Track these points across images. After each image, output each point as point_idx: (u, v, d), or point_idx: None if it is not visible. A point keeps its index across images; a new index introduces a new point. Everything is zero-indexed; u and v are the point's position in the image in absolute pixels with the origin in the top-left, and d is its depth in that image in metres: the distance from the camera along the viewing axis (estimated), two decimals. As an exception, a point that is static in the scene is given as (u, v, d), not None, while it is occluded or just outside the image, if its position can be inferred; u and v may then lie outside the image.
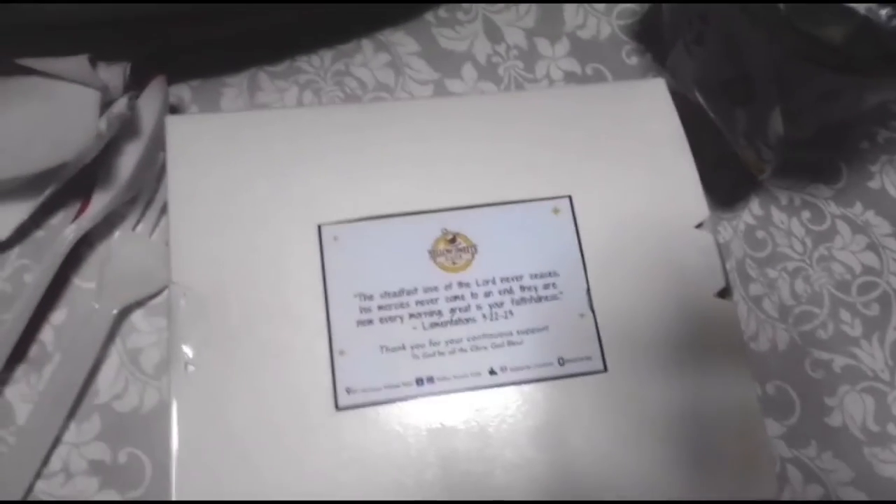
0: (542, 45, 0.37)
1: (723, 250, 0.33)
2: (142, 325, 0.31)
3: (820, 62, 0.27)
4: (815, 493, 0.31)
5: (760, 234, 0.35)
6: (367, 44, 0.36)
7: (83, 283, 0.31)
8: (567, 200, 0.28)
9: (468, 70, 0.36)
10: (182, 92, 0.35)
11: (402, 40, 0.37)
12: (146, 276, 0.31)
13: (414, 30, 0.37)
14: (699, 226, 0.28)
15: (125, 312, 0.31)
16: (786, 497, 0.31)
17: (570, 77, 0.37)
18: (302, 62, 0.36)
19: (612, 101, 0.30)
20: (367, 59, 0.36)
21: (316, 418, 0.25)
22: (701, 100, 0.31)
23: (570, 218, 0.28)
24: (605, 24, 0.38)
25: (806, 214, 0.36)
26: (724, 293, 0.27)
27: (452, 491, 0.25)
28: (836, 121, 0.35)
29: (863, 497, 0.31)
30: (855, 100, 0.30)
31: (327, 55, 0.36)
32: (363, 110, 0.30)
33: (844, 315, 0.34)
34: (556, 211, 0.28)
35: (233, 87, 0.35)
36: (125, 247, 0.32)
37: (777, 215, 0.36)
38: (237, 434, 0.25)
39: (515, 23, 0.38)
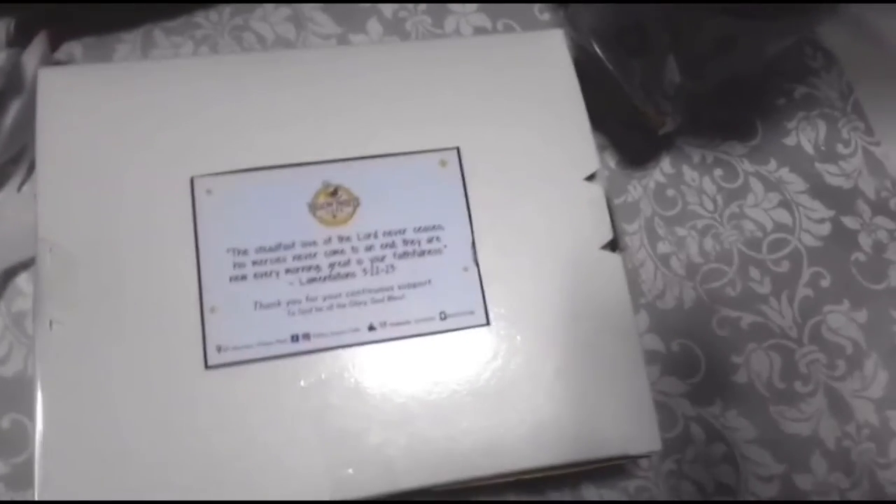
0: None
1: (613, 204, 0.32)
2: (27, 287, 0.30)
3: (710, 5, 0.26)
4: (718, 451, 0.31)
5: (671, 192, 0.35)
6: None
7: (-38, 244, 0.30)
8: (454, 152, 0.27)
9: (373, 25, 0.35)
10: (74, 49, 0.34)
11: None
12: (31, 237, 0.30)
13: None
14: (589, 178, 0.28)
15: (9, 275, 0.30)
16: (689, 454, 0.31)
17: (479, 32, 0.36)
18: (199, 17, 0.34)
19: (506, 53, 0.29)
20: (267, 12, 0.35)
21: (186, 377, 0.24)
22: (598, 51, 0.30)
23: (457, 170, 0.27)
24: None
25: (718, 172, 0.35)
26: (612, 245, 0.27)
27: (326, 448, 0.24)
28: (740, 72, 0.34)
29: (767, 454, 0.31)
30: (755, 48, 0.29)
31: (225, 9, 0.35)
32: (242, 60, 0.29)
33: (754, 273, 0.34)
34: (442, 163, 0.27)
35: (127, 42, 0.34)
36: (9, 207, 0.30)
37: (688, 173, 0.35)
38: (106, 394, 0.24)
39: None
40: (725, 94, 0.36)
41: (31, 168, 0.31)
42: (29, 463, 0.28)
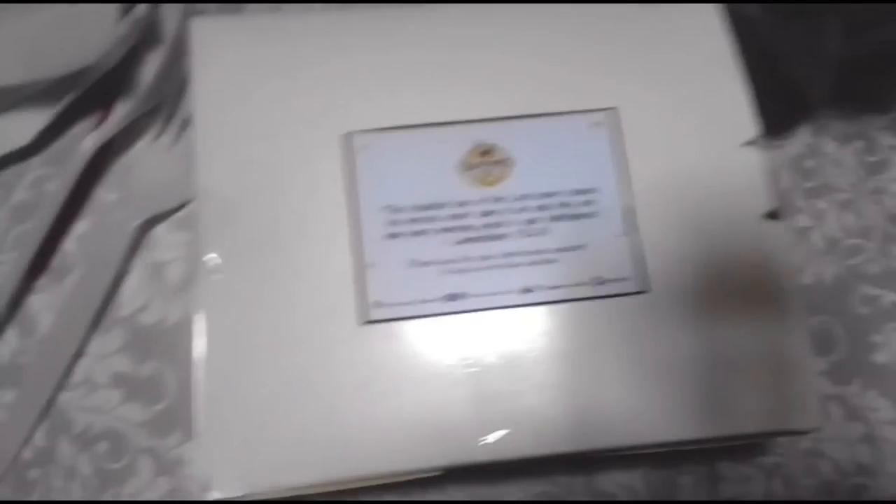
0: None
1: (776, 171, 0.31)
2: (165, 238, 0.31)
3: None
4: (856, 431, 0.30)
5: (809, 163, 0.33)
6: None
7: (106, 194, 0.31)
8: (611, 113, 0.27)
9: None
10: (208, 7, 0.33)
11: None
12: (169, 188, 0.30)
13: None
14: (748, 145, 0.27)
15: (148, 225, 0.30)
16: (829, 433, 0.30)
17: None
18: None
19: (660, 20, 0.28)
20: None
21: (343, 331, 0.24)
22: (758, 12, 0.29)
23: (614, 132, 0.26)
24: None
25: (859, 144, 0.34)
26: (774, 214, 0.26)
27: (480, 408, 0.24)
28: None
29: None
30: None
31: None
32: (396, 14, 0.28)
33: (895, 250, 0.32)
34: (598, 124, 0.26)
35: (257, -4, 0.33)
36: (148, 158, 0.31)
37: (828, 145, 0.34)
38: (263, 344, 0.24)
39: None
40: (873, 64, 0.34)
41: (169, 120, 0.31)
42: (170, 410, 0.29)
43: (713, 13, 0.28)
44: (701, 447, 0.25)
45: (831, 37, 0.28)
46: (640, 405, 0.24)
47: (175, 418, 0.29)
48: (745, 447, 0.29)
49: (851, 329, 0.31)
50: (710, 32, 0.28)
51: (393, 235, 0.25)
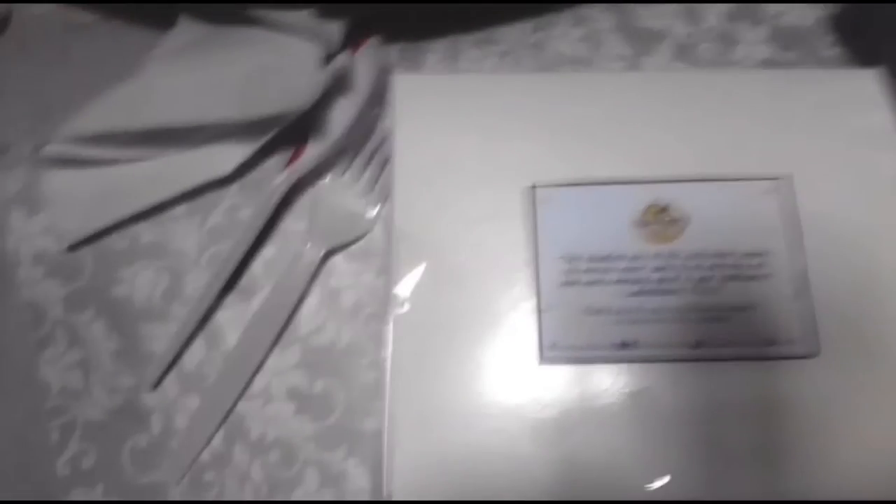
0: (742, 28, 0.37)
1: None
2: (342, 267, 0.33)
3: None
4: None
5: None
6: (564, 17, 0.37)
7: (293, 223, 0.34)
8: (786, 181, 0.28)
9: (664, 49, 0.37)
10: (389, 53, 0.36)
11: (599, 16, 0.37)
12: (352, 221, 0.33)
13: (613, 6, 0.37)
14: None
15: (328, 255, 0.33)
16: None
17: (766, 63, 0.37)
18: (500, 32, 0.37)
19: (820, 88, 0.30)
20: (564, 32, 0.37)
21: (521, 370, 0.26)
22: None
23: (787, 198, 0.28)
24: (807, 12, 0.37)
25: None
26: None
27: (649, 456, 0.25)
28: None
29: None
30: None
31: (526, 27, 0.37)
32: (571, 79, 0.31)
33: None
34: (770, 190, 0.28)
35: (435, 52, 0.36)
36: (334, 193, 0.34)
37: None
38: (445, 377, 0.26)
39: (716, 6, 0.37)
40: None
41: (354, 159, 0.34)
42: (338, 426, 0.31)
43: (874, 78, 0.30)
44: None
45: None
46: (803, 463, 0.25)
47: (341, 434, 0.31)
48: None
49: None
50: (873, 103, 0.29)
51: (569, 283, 0.27)
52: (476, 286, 0.27)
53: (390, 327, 0.27)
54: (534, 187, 0.28)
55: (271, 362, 0.32)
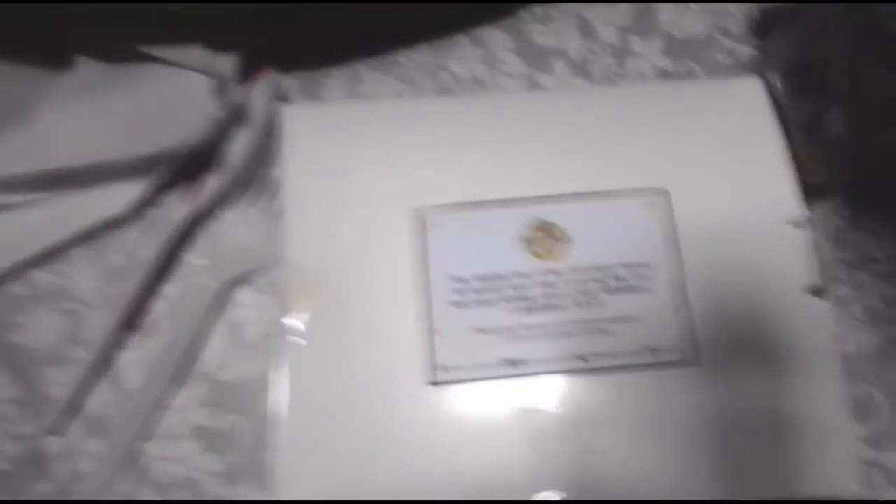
0: (636, 41, 0.38)
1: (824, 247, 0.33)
2: (246, 300, 0.33)
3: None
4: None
5: (850, 235, 0.35)
6: (462, 40, 0.37)
7: (195, 259, 0.34)
8: (663, 193, 0.29)
9: (560, 65, 0.37)
10: (288, 82, 0.37)
11: (496, 36, 0.38)
12: (253, 254, 0.33)
13: (508, 26, 0.38)
14: (792, 223, 0.28)
15: (231, 288, 0.33)
16: (871, 499, 0.31)
17: (662, 74, 0.37)
18: (400, 56, 0.37)
19: (706, 98, 0.31)
20: (463, 54, 0.37)
21: (411, 392, 0.26)
22: (777, 82, 0.31)
23: (666, 211, 0.28)
24: (699, 23, 0.38)
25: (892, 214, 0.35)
26: (817, 291, 0.27)
27: (540, 470, 0.25)
28: None
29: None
30: None
31: (424, 50, 0.37)
32: (461, 103, 0.31)
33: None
34: (650, 204, 0.29)
35: (335, 78, 0.37)
36: (234, 227, 0.33)
37: (866, 217, 0.35)
38: (337, 402, 0.26)
39: (609, 19, 0.38)
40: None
41: (253, 193, 0.34)
42: (245, 462, 0.31)
43: (757, 87, 0.31)
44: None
45: (835, 122, 0.29)
46: (688, 468, 0.26)
47: (249, 469, 0.31)
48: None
49: (893, 397, 0.32)
50: (754, 110, 0.30)
51: (459, 304, 0.27)
52: (368, 312, 0.27)
53: (283, 362, 0.27)
54: (421, 210, 0.28)
55: (176, 401, 0.32)
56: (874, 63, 0.27)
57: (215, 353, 0.32)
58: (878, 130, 0.29)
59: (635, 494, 0.25)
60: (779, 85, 0.31)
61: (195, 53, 0.33)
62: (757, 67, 0.34)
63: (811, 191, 0.35)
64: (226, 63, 0.34)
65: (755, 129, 0.30)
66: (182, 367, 0.32)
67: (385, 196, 0.29)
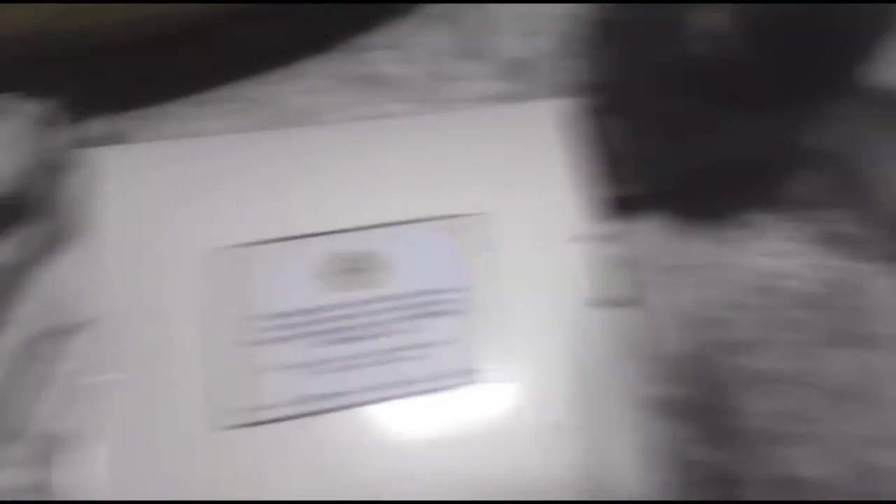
0: (465, 65, 0.39)
1: (622, 261, 0.34)
2: (75, 351, 0.33)
3: (664, 87, 0.27)
4: (724, 493, 0.32)
5: (673, 243, 0.36)
6: (284, 72, 0.38)
7: (21, 308, 0.33)
8: (460, 219, 0.29)
9: (386, 93, 0.38)
10: (96, 124, 0.36)
11: (318, 68, 0.38)
12: (75, 302, 0.32)
13: (342, 55, 0.38)
14: (583, 238, 0.29)
15: (53, 337, 0.32)
16: (694, 496, 0.32)
17: (493, 97, 0.38)
18: (214, 93, 0.37)
19: (504, 122, 0.32)
20: (283, 86, 0.37)
21: (207, 437, 0.26)
22: (576, 104, 0.32)
23: (462, 236, 0.29)
24: (528, 45, 0.39)
25: (708, 222, 0.37)
26: (610, 302, 0.28)
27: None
28: (727, 158, 0.35)
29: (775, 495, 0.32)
30: (734, 135, 0.30)
31: (244, 84, 0.37)
32: (256, 139, 0.31)
33: (752, 319, 0.35)
34: (451, 229, 0.29)
35: (144, 119, 0.36)
36: (54, 275, 0.33)
37: (689, 224, 0.37)
38: (141, 452, 0.26)
39: (440, 45, 0.39)
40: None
41: (64, 238, 0.34)
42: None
43: (552, 111, 0.31)
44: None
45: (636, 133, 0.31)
46: (492, 484, 0.26)
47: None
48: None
49: (717, 396, 0.33)
50: (548, 132, 0.31)
51: (256, 342, 0.27)
52: (164, 359, 0.27)
53: (83, 413, 0.27)
54: (214, 251, 0.28)
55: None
56: (647, 86, 0.28)
57: (46, 406, 0.32)
58: (664, 147, 0.31)
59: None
60: (578, 104, 0.32)
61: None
62: (571, 89, 0.35)
63: (630, 204, 0.36)
64: (29, 109, 0.33)
65: (550, 150, 0.31)
66: (7, 424, 0.31)
67: (187, 237, 0.29)
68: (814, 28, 0.25)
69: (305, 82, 0.38)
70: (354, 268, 0.28)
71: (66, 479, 0.31)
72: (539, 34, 0.39)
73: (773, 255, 0.36)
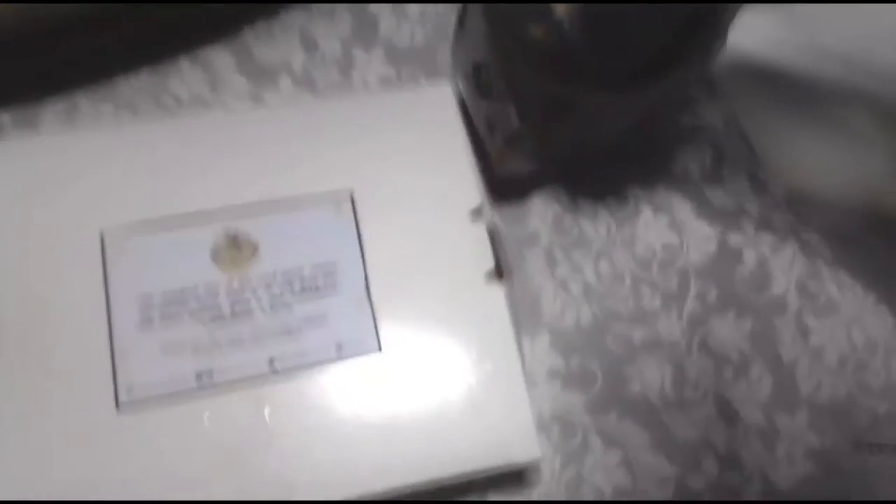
0: (358, 52, 0.39)
1: (500, 235, 0.35)
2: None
3: (532, 67, 0.28)
4: (614, 456, 0.33)
5: (568, 220, 0.37)
6: (183, 61, 0.38)
7: None
8: (348, 195, 0.30)
9: (284, 81, 0.38)
10: (3, 118, 0.36)
11: (218, 56, 0.38)
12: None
13: (230, 44, 0.38)
14: (473, 213, 0.30)
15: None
16: (589, 461, 0.33)
17: (385, 82, 0.39)
18: (120, 82, 0.37)
19: (399, 104, 0.33)
20: (184, 76, 0.37)
21: (99, 418, 0.26)
22: (460, 87, 0.33)
23: (350, 211, 0.30)
24: (418, 30, 0.40)
25: (611, 199, 0.38)
26: (495, 275, 0.29)
27: (238, 482, 0.26)
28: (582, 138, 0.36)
29: (661, 457, 0.34)
30: (591, 114, 0.31)
31: (145, 74, 0.37)
32: (146, 127, 0.31)
33: (645, 290, 0.37)
34: (337, 205, 0.30)
35: (52, 111, 0.36)
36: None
37: (582, 203, 0.38)
38: (21, 439, 0.26)
39: (331, 33, 0.40)
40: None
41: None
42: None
43: (446, 91, 0.32)
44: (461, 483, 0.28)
45: (511, 118, 0.32)
46: (386, 452, 0.27)
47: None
48: (512, 479, 0.32)
49: (607, 365, 0.35)
50: (442, 113, 0.32)
51: (144, 323, 0.27)
52: (50, 341, 0.27)
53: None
54: (102, 230, 0.28)
55: None
56: (518, 64, 0.29)
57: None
58: (549, 124, 0.32)
59: (331, 485, 0.26)
60: (461, 87, 0.33)
61: None
62: (455, 72, 0.36)
63: (522, 183, 0.37)
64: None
65: (443, 131, 0.32)
66: None
67: (63, 220, 0.28)
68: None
69: (200, 73, 0.38)
70: (246, 245, 0.29)
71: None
72: (419, 19, 0.40)
73: (667, 229, 0.38)
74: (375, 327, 0.28)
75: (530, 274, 0.36)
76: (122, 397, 0.26)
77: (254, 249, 0.29)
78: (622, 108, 0.32)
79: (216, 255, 0.28)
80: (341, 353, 0.28)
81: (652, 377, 0.35)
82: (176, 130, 0.31)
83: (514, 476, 0.32)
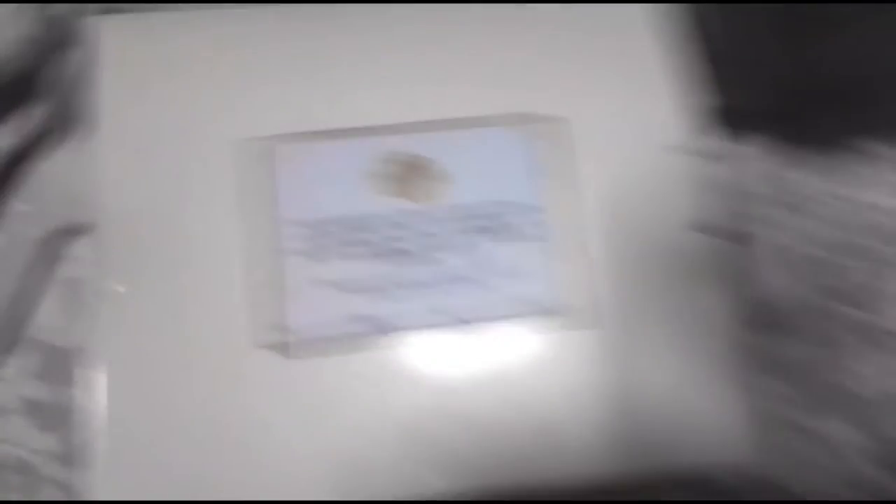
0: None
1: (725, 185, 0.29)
2: (83, 254, 0.28)
3: None
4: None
5: (787, 172, 0.31)
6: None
7: (21, 205, 0.29)
8: (557, 121, 0.24)
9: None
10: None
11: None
12: (78, 199, 0.28)
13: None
14: (684, 151, 0.24)
15: (62, 239, 0.28)
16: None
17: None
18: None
19: (596, 22, 0.26)
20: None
21: (249, 359, 0.22)
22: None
23: (543, 142, 0.24)
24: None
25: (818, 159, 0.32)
26: (715, 231, 0.24)
27: (410, 448, 0.22)
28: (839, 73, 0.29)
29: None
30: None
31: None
32: (297, 10, 0.26)
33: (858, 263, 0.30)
34: (525, 133, 0.24)
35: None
36: (62, 167, 0.28)
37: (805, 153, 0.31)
38: (161, 371, 0.22)
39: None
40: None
41: (79, 126, 0.29)
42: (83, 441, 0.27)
43: (646, 15, 0.26)
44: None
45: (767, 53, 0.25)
46: (580, 441, 0.22)
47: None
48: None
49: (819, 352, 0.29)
50: (643, 36, 0.26)
51: (305, 253, 0.23)
52: (193, 266, 0.23)
53: (97, 326, 0.22)
54: (262, 142, 0.23)
55: (4, 371, 0.27)
56: None
57: (49, 315, 0.28)
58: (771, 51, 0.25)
59: (506, 468, 0.22)
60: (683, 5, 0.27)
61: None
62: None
63: (733, 119, 0.31)
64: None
65: (648, 54, 0.26)
66: (8, 332, 0.27)
67: (207, 127, 0.24)
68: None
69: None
70: (409, 172, 0.23)
71: (70, 398, 0.27)
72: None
73: (889, 191, 0.31)
74: (587, 291, 0.23)
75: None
76: (253, 338, 0.22)
77: (439, 178, 0.23)
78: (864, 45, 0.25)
79: (374, 182, 0.23)
80: (507, 315, 0.23)
81: (874, 372, 0.29)
82: (330, 18, 0.25)
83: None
